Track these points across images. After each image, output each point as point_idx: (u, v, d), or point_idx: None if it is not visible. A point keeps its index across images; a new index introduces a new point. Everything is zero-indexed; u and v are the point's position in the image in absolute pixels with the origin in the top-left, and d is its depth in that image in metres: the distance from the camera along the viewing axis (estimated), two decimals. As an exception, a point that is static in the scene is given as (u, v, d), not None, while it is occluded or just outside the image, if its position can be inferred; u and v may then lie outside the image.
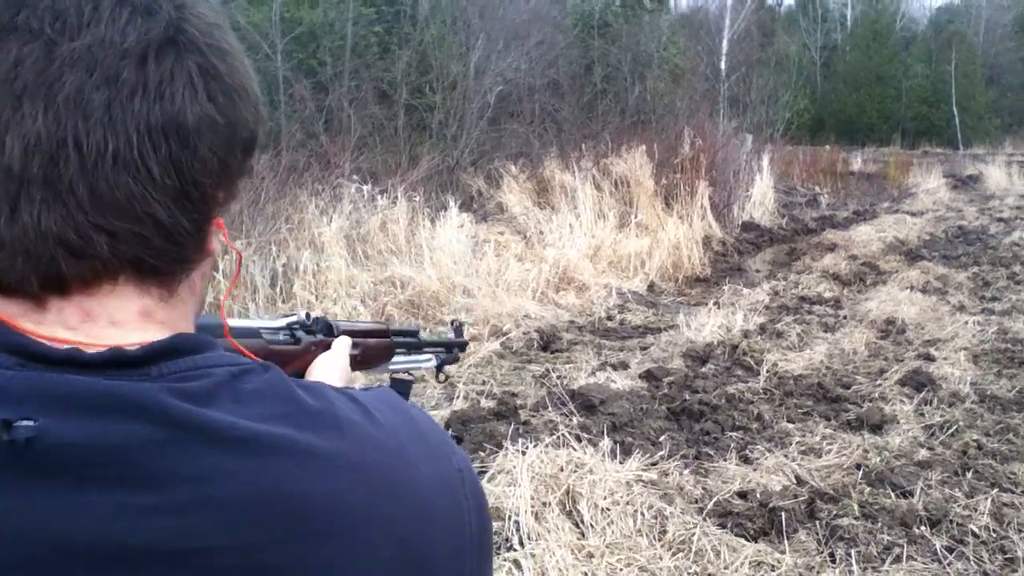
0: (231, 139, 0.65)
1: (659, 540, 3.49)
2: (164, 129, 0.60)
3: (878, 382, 5.67)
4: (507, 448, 4.05)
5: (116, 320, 0.62)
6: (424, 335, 1.54)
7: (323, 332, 1.19)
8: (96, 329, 0.61)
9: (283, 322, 1.14)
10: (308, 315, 1.17)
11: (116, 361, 0.59)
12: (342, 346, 1.17)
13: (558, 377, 5.76)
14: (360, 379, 1.31)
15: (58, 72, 0.57)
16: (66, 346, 0.59)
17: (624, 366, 6.17)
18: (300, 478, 0.60)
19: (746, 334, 6.87)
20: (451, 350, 1.62)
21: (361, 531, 0.61)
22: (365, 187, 8.84)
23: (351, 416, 0.66)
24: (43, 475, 0.54)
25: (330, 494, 0.61)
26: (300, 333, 1.14)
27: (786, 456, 4.42)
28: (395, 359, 1.42)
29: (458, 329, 1.66)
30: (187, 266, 0.66)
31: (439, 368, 1.55)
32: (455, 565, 0.68)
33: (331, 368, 1.13)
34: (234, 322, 1.02)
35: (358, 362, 1.27)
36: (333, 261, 7.27)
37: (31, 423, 0.54)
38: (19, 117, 0.56)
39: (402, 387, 1.35)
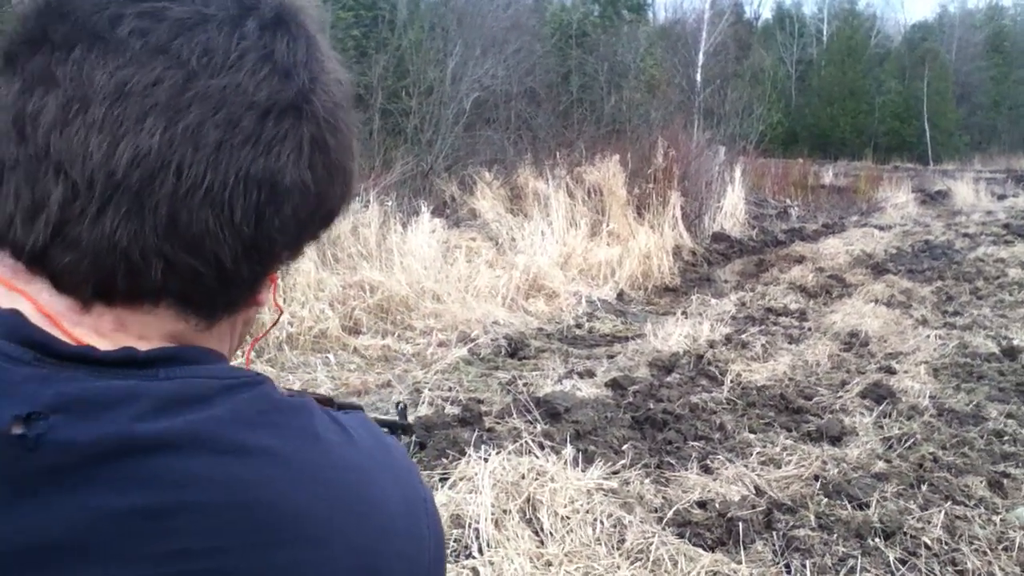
0: (316, 209, 0.68)
1: (618, 549, 3.52)
2: (260, 181, 0.63)
3: (839, 394, 5.74)
4: (470, 455, 4.06)
5: (145, 335, 0.65)
6: (369, 413, 1.56)
7: None
8: (124, 339, 0.64)
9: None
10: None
11: (125, 361, 0.61)
12: None
13: (524, 384, 5.78)
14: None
15: (188, 102, 0.60)
16: (82, 345, 0.61)
17: (590, 374, 6.20)
18: (275, 487, 0.62)
19: (712, 344, 6.93)
20: (394, 431, 1.60)
21: (325, 541, 0.63)
22: (337, 190, 8.81)
23: (329, 434, 0.67)
24: (49, 472, 0.56)
25: (300, 504, 0.62)
26: None
27: (746, 466, 4.46)
28: None
29: (402, 412, 1.66)
30: (231, 308, 0.70)
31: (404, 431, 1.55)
32: None
33: None
34: None
35: None
36: (302, 264, 7.24)
37: (44, 424, 0.56)
38: (138, 129, 0.59)
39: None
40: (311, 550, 0.62)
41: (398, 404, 1.73)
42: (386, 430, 1.60)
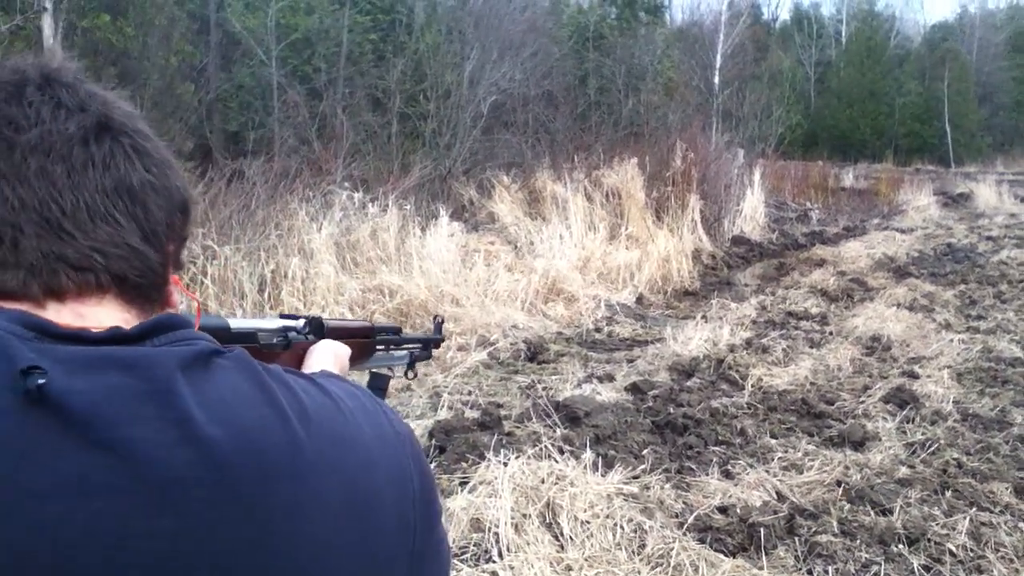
0: (170, 200, 0.82)
1: (638, 554, 3.50)
2: (117, 191, 0.77)
3: (862, 399, 5.70)
4: (489, 459, 4.05)
5: (103, 324, 0.74)
6: (406, 332, 1.62)
7: (315, 333, 1.28)
8: (88, 325, 0.74)
9: (278, 324, 1.24)
10: (305, 321, 1.27)
11: (116, 338, 0.72)
12: (332, 344, 1.27)
13: (544, 388, 5.77)
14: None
15: (21, 157, 0.74)
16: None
17: (610, 378, 6.18)
18: (265, 425, 0.72)
19: (732, 348, 6.89)
20: (428, 346, 1.71)
21: (316, 474, 0.73)
22: (356, 194, 8.84)
23: (304, 385, 0.80)
24: (52, 420, 0.65)
25: (289, 440, 0.72)
26: (292, 335, 1.23)
27: (768, 472, 4.43)
28: (375, 355, 1.51)
29: (439, 326, 1.75)
30: (159, 296, 0.83)
31: (410, 365, 1.64)
32: (399, 511, 0.79)
33: (327, 356, 1.23)
34: (236, 323, 1.15)
35: None
36: (322, 268, 7.27)
37: (43, 379, 0.65)
38: (13, 184, 0.74)
39: (379, 382, 1.44)
40: (306, 483, 0.72)
41: (436, 317, 1.81)
42: (420, 345, 1.65)
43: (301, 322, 1.26)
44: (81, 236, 0.75)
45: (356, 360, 1.39)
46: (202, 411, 0.69)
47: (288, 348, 1.21)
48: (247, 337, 1.14)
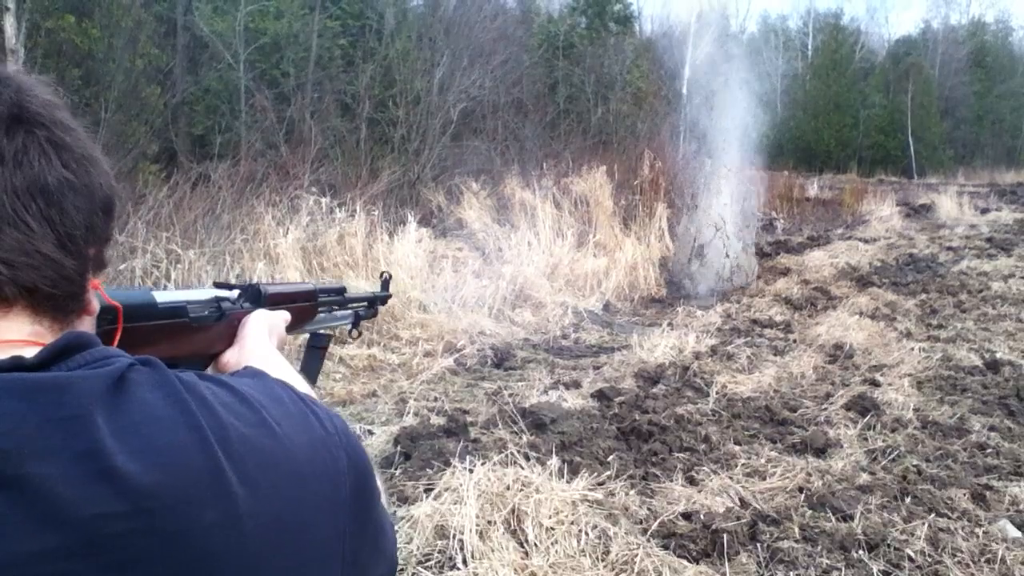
0: (91, 200, 0.76)
1: (602, 560, 3.50)
2: (30, 191, 0.70)
3: (824, 406, 5.76)
4: (455, 466, 4.04)
5: (8, 339, 0.70)
6: (351, 291, 1.58)
7: (252, 301, 1.22)
8: None
9: (210, 295, 1.17)
10: (240, 290, 1.22)
11: (16, 368, 0.66)
12: (266, 315, 1.22)
13: (510, 395, 5.77)
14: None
15: None
16: None
17: (576, 385, 6.20)
18: (183, 452, 0.67)
19: (697, 356, 6.94)
20: (373, 304, 1.66)
21: (240, 497, 0.69)
22: (324, 199, 8.81)
23: (223, 397, 0.74)
24: None
25: (210, 466, 0.68)
26: (226, 304, 1.17)
27: (731, 478, 4.47)
28: (317, 317, 1.46)
29: (385, 282, 1.71)
30: (76, 305, 0.77)
31: (354, 324, 1.60)
32: (331, 520, 0.76)
33: (260, 329, 1.17)
34: (162, 296, 1.06)
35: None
36: (288, 273, 7.22)
37: None
38: None
39: (319, 341, 1.43)
40: (232, 506, 0.68)
41: (383, 274, 1.76)
42: (365, 304, 1.58)
43: (235, 292, 1.20)
44: None
45: (297, 324, 1.35)
46: (116, 441, 0.64)
47: (222, 319, 1.15)
48: (175, 311, 1.07)
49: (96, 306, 0.81)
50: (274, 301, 1.25)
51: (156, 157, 12.85)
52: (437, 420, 5.19)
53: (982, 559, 3.70)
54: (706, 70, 22.50)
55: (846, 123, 41.65)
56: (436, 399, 5.76)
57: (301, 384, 1.01)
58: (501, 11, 19.25)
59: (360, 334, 1.70)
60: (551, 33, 21.37)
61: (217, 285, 1.20)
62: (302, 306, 1.36)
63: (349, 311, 1.57)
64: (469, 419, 5.23)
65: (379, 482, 0.87)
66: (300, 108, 13.48)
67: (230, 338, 1.16)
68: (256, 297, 1.22)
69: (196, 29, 15.51)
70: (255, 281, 1.26)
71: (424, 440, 4.69)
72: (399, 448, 4.65)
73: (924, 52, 46.44)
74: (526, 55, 18.78)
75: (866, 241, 16.10)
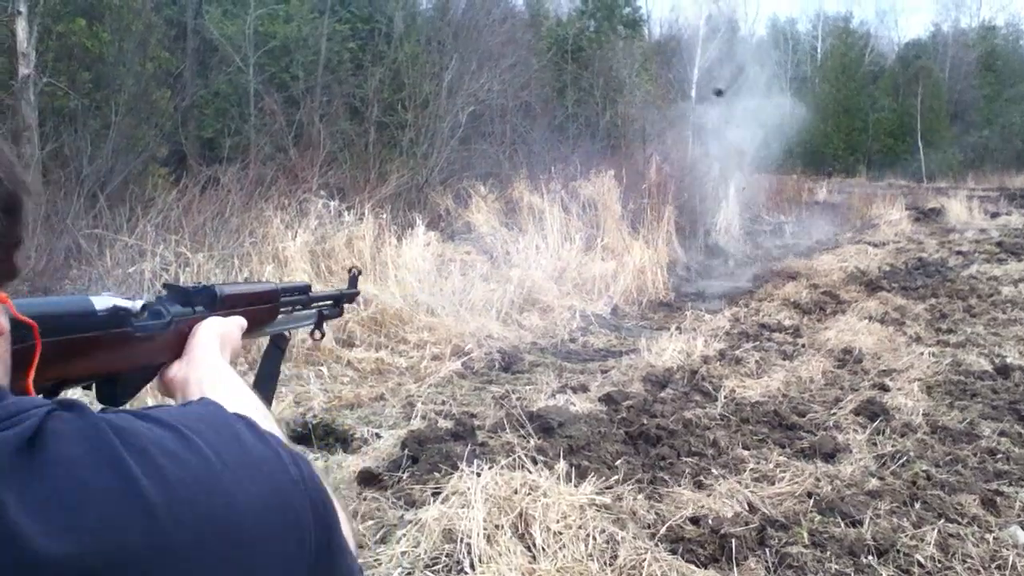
0: None
1: (610, 565, 3.50)
2: None
3: (833, 411, 5.74)
4: (462, 469, 4.04)
5: None
6: (316, 289, 1.48)
7: (205, 304, 1.09)
8: None
9: (155, 299, 1.04)
10: (193, 290, 1.09)
11: None
12: (218, 323, 1.07)
13: (518, 398, 5.77)
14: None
15: None
16: None
17: (584, 389, 6.19)
18: (118, 524, 0.56)
19: (706, 360, 6.92)
20: (339, 303, 1.56)
21: (188, 569, 0.58)
22: (332, 203, 8.83)
23: (167, 444, 0.62)
24: None
25: (150, 539, 0.57)
26: (176, 310, 1.03)
27: (739, 483, 4.45)
28: (278, 318, 1.34)
29: (353, 279, 1.63)
30: None
31: (317, 325, 1.49)
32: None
33: (211, 339, 1.03)
34: (101, 303, 0.91)
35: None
36: (296, 276, 7.23)
37: None
38: None
39: (279, 342, 1.33)
40: None
41: (351, 269, 1.67)
42: (331, 302, 1.50)
43: (187, 287, 1.08)
44: None
45: (256, 328, 1.24)
46: (34, 521, 0.52)
47: (169, 327, 1.02)
48: (116, 320, 0.93)
49: (5, 324, 0.66)
50: (231, 304, 1.13)
51: (165, 160, 12.92)
52: (445, 424, 5.19)
53: (992, 565, 3.67)
54: (715, 73, 22.48)
55: (855, 127, 41.56)
56: (444, 403, 5.76)
57: (259, 411, 0.90)
58: (510, 15, 19.28)
59: (323, 336, 1.52)
60: (560, 36, 21.40)
61: (167, 287, 1.08)
62: (261, 308, 1.24)
63: (313, 311, 1.47)
64: (477, 423, 5.23)
65: (347, 527, 0.75)
66: (309, 111, 13.51)
67: (178, 348, 1.03)
68: (211, 300, 1.09)
69: (206, 33, 15.58)
70: (209, 282, 1.12)
71: (431, 443, 4.69)
72: (406, 451, 4.65)
73: (934, 56, 46.27)
74: (535, 59, 18.80)
75: (875, 245, 16.06)
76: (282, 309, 1.34)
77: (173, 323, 1.01)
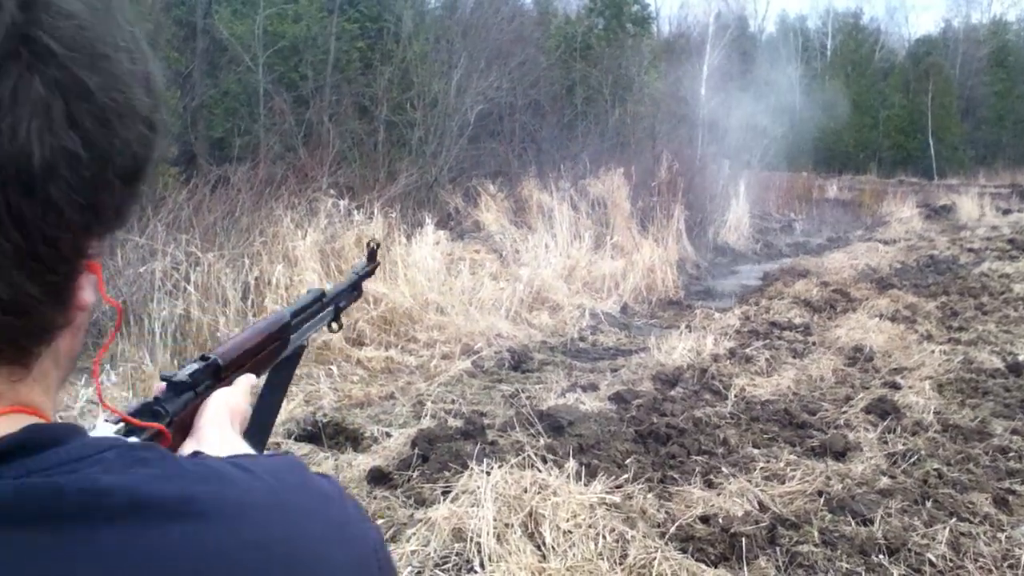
0: (100, 174, 0.50)
1: (620, 564, 3.50)
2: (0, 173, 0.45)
3: (844, 409, 5.72)
4: (472, 468, 4.05)
5: None
6: (328, 288, 1.38)
7: (209, 378, 0.99)
8: None
9: (137, 405, 0.92)
10: (193, 371, 0.98)
11: None
12: (230, 392, 0.99)
13: (527, 397, 5.77)
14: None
15: None
16: None
17: (594, 388, 6.19)
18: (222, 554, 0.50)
19: (716, 358, 6.91)
20: (357, 287, 1.46)
21: None
22: (342, 202, 8.84)
23: (255, 494, 0.55)
24: None
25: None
26: (174, 404, 0.94)
27: (750, 481, 4.44)
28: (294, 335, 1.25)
29: (372, 252, 1.51)
30: (44, 337, 0.52)
31: (334, 319, 1.38)
32: None
33: (218, 416, 0.94)
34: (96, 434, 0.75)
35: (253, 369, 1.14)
36: (306, 275, 7.25)
37: None
38: None
39: (298, 349, 1.25)
40: None
41: (369, 243, 1.54)
42: (350, 288, 1.42)
43: (186, 373, 0.95)
44: None
45: (270, 362, 1.16)
46: None
47: (172, 425, 0.92)
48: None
49: (90, 299, 0.55)
50: (237, 365, 1.04)
51: (175, 160, 12.95)
52: (454, 422, 5.19)
53: (1004, 564, 3.66)
54: (724, 71, 22.43)
55: (865, 124, 41.39)
56: (453, 401, 5.77)
57: None
58: (518, 13, 19.28)
59: (341, 327, 1.41)
60: (568, 34, 21.37)
61: (168, 383, 0.95)
62: (270, 349, 1.16)
63: (330, 307, 1.37)
64: (486, 421, 5.23)
65: None
66: (318, 111, 13.54)
67: (185, 430, 0.95)
68: (214, 372, 1.00)
69: (215, 32, 15.61)
70: (208, 353, 1.01)
71: (441, 442, 4.70)
72: (416, 450, 4.66)
73: (944, 52, 46.02)
74: (543, 57, 18.78)
75: (886, 243, 16.01)
76: (295, 321, 1.25)
77: (172, 422, 0.93)
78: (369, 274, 1.50)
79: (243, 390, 1.01)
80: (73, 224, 0.49)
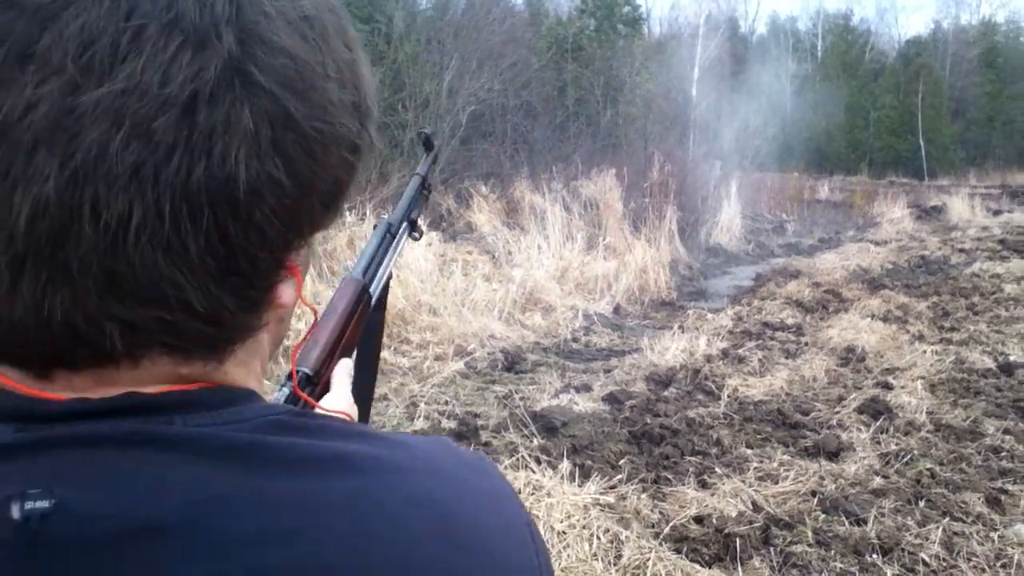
0: (302, 199, 0.52)
1: (614, 565, 3.50)
2: (208, 195, 0.47)
3: (836, 409, 5.73)
4: (466, 469, 4.03)
5: (141, 385, 0.52)
6: (392, 217, 1.26)
7: (303, 387, 0.98)
8: (113, 391, 0.51)
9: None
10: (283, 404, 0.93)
11: (130, 408, 0.50)
12: (335, 402, 0.99)
13: (521, 398, 5.76)
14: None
15: (77, 125, 0.44)
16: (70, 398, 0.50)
17: (587, 388, 6.19)
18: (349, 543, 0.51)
19: (709, 358, 6.92)
20: (424, 187, 1.33)
21: None
22: (334, 203, 8.82)
23: (410, 460, 0.57)
24: (67, 560, 0.46)
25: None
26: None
27: (743, 481, 4.45)
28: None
29: (427, 141, 1.39)
30: (234, 340, 0.55)
31: (412, 231, 1.27)
32: None
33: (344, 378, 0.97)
34: None
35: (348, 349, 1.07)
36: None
37: (45, 502, 0.46)
38: (30, 172, 0.44)
39: (380, 304, 1.18)
40: None
41: (420, 134, 1.42)
42: (420, 191, 1.31)
43: (281, 395, 0.93)
44: (105, 286, 0.47)
45: (359, 329, 1.09)
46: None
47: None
48: None
49: (289, 299, 0.58)
50: (327, 367, 1.02)
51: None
52: (448, 424, 5.19)
53: (997, 563, 3.67)
54: (715, 72, 22.49)
55: (856, 124, 41.56)
56: (447, 403, 5.76)
57: None
58: (509, 14, 19.27)
59: (422, 234, 1.31)
60: (560, 36, 21.40)
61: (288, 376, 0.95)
62: (357, 319, 1.08)
63: (404, 226, 1.25)
64: (480, 423, 5.23)
65: None
66: (310, 112, 13.51)
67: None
68: (306, 384, 0.98)
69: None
70: (296, 368, 0.96)
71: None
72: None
73: (934, 53, 46.25)
74: (535, 58, 18.79)
75: (877, 243, 16.06)
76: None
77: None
78: (432, 165, 1.37)
79: (344, 393, 1.00)
80: (274, 244, 0.52)
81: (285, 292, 0.56)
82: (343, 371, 1.02)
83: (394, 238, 1.22)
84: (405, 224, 1.25)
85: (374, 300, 1.14)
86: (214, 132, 0.46)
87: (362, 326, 1.10)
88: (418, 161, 1.37)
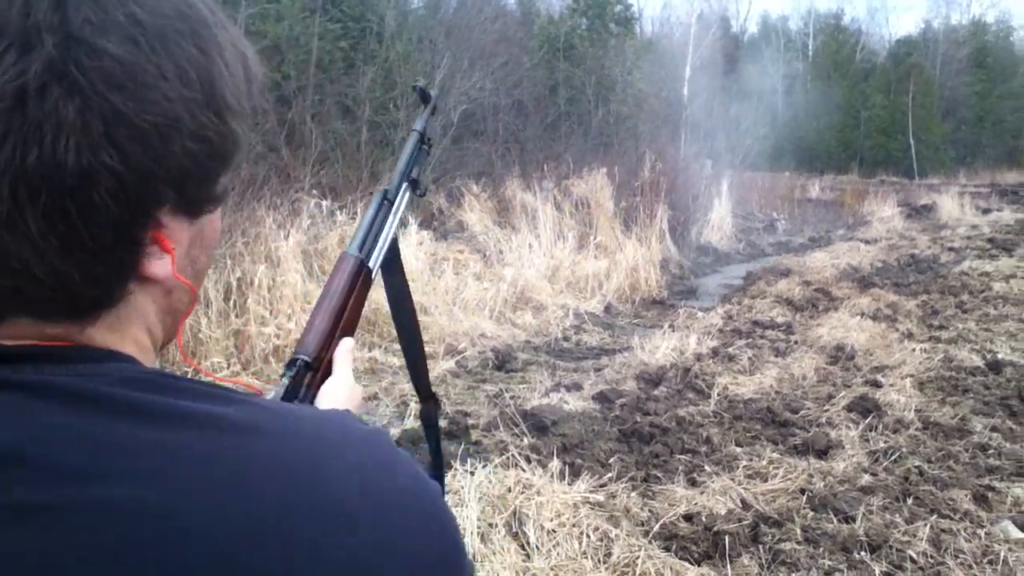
0: (143, 183, 0.57)
1: (604, 563, 3.50)
2: (43, 180, 0.52)
3: (826, 407, 5.76)
4: (456, 468, 4.04)
5: (6, 340, 0.58)
6: (390, 187, 1.21)
7: (304, 375, 0.99)
8: None
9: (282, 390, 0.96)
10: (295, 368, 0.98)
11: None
12: (332, 395, 1.01)
13: (511, 397, 5.77)
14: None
15: None
16: None
17: (578, 387, 6.20)
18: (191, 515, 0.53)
19: (699, 357, 6.94)
20: (423, 143, 1.28)
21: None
22: (324, 202, 8.81)
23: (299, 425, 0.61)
24: None
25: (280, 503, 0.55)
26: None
27: (733, 480, 4.46)
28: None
29: (423, 93, 1.34)
30: (101, 308, 0.60)
31: (414, 189, 1.23)
32: None
33: (336, 396, 0.99)
34: None
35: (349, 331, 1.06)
36: (289, 276, 7.22)
37: None
38: None
39: (392, 263, 1.16)
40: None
41: (414, 87, 1.37)
42: (421, 146, 1.26)
43: (281, 387, 0.95)
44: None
45: (360, 307, 1.08)
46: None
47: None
48: None
49: (163, 272, 0.62)
50: (325, 350, 1.02)
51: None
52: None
53: (984, 560, 3.69)
54: (707, 71, 22.53)
55: (847, 124, 41.67)
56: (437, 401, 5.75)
57: None
58: (501, 13, 19.27)
59: (425, 192, 1.30)
60: (551, 35, 21.38)
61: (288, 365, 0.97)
62: (356, 296, 1.07)
63: (404, 187, 1.21)
64: (470, 421, 5.23)
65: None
66: (301, 111, 13.48)
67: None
68: (305, 370, 1.00)
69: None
70: (293, 356, 0.99)
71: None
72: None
73: (925, 52, 46.38)
74: (527, 57, 18.77)
75: (867, 242, 16.11)
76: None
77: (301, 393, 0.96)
78: (430, 118, 1.32)
79: (345, 375, 1.02)
80: (117, 224, 0.56)
81: (154, 265, 0.61)
82: (345, 352, 1.03)
83: (392, 204, 1.18)
84: (405, 184, 1.22)
85: (379, 267, 1.13)
86: (43, 124, 0.52)
87: (363, 302, 1.09)
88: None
